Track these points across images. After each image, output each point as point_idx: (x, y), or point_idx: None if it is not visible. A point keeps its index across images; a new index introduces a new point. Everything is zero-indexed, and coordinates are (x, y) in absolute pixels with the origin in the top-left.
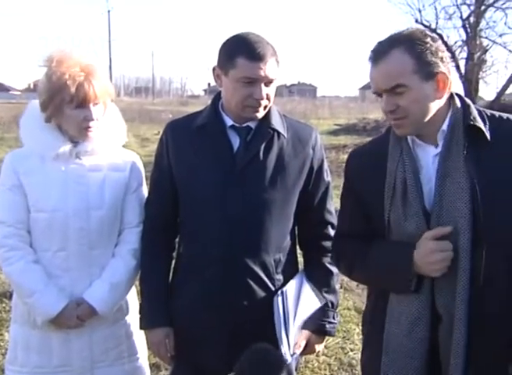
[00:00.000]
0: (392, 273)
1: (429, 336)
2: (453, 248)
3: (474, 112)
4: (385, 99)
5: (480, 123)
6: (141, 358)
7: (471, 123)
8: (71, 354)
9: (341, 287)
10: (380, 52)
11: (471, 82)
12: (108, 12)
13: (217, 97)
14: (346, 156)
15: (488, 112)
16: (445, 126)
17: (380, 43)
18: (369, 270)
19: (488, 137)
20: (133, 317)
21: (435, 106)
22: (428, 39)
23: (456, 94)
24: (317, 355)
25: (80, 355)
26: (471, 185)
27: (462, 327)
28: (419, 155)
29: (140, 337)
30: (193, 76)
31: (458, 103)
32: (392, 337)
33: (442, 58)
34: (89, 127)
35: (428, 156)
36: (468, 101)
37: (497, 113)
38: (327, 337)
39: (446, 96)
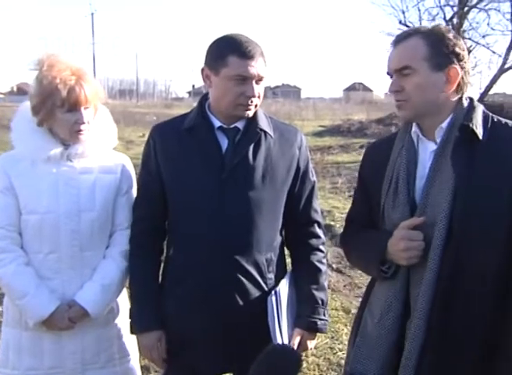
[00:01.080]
0: (368, 257)
1: (399, 326)
2: (428, 241)
3: (477, 115)
4: (393, 79)
5: (475, 125)
6: (132, 360)
7: (465, 123)
8: (63, 356)
9: (328, 288)
10: (401, 37)
11: None
12: (92, 14)
13: (204, 98)
14: (330, 157)
15: (496, 117)
16: (444, 124)
17: (404, 31)
18: (357, 255)
19: (481, 137)
20: (125, 319)
21: (439, 98)
22: (450, 35)
23: (469, 98)
24: (306, 356)
25: (71, 356)
26: (455, 183)
27: (421, 320)
28: (420, 150)
29: (131, 339)
30: (177, 79)
31: (465, 104)
32: (366, 323)
33: (458, 54)
34: (80, 130)
35: (427, 152)
36: (477, 104)
37: (504, 120)
38: (316, 337)
39: (455, 95)
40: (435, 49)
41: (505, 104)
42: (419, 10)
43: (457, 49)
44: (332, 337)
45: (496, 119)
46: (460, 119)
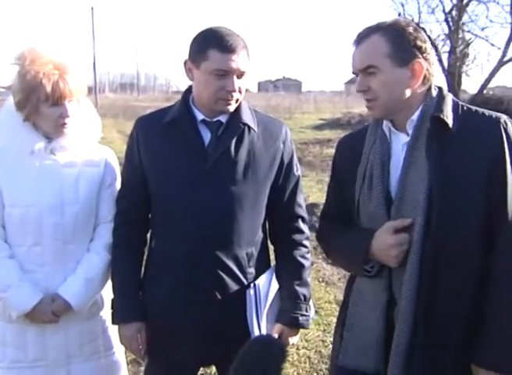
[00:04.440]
0: (350, 258)
1: (386, 317)
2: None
3: (447, 105)
4: (359, 79)
5: (445, 115)
6: (117, 353)
7: (436, 114)
8: (46, 348)
9: (322, 281)
10: (362, 36)
11: (453, 75)
12: (92, 8)
13: (187, 91)
14: (330, 150)
15: (466, 106)
16: (415, 117)
17: (365, 28)
18: (337, 254)
19: (451, 126)
20: (109, 312)
21: (407, 93)
22: (410, 28)
23: (438, 87)
24: (297, 348)
25: (55, 349)
26: (430, 176)
27: (407, 317)
28: (393, 143)
29: (116, 332)
30: (178, 72)
31: (434, 95)
32: (352, 314)
33: (420, 47)
34: (65, 124)
35: (399, 144)
36: (446, 94)
37: (474, 108)
38: (307, 331)
39: (422, 87)
40: (397, 45)
41: (504, 97)
42: (418, 3)
43: (419, 42)
44: (324, 330)
45: (465, 108)
46: (430, 111)
